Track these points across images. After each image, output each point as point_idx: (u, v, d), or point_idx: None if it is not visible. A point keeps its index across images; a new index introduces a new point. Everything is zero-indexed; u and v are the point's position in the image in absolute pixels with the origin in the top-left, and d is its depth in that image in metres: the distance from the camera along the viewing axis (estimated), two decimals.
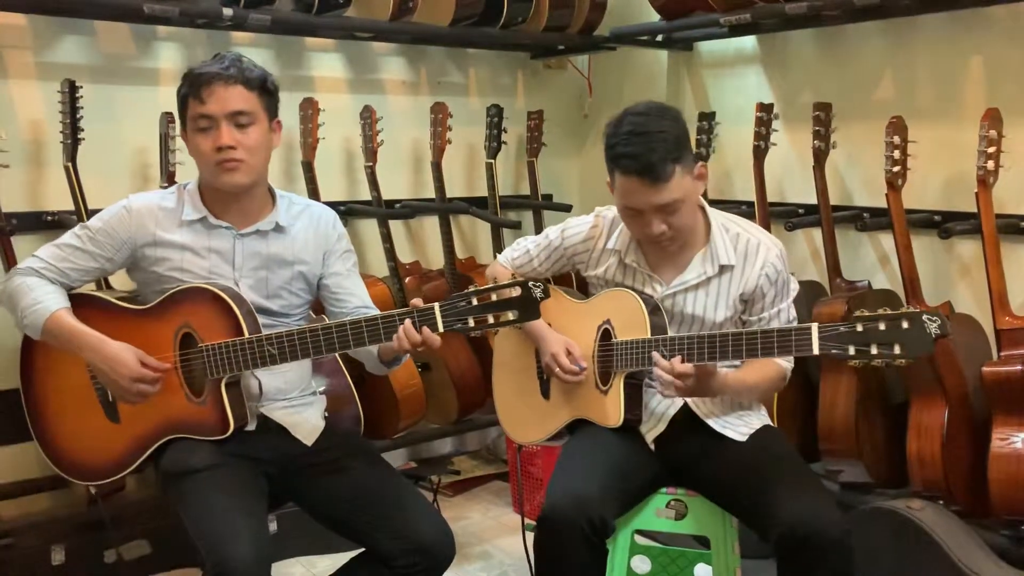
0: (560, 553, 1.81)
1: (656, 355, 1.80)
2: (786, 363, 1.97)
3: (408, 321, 1.73)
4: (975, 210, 2.29)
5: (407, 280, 3.05)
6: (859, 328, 1.60)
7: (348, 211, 3.05)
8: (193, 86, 1.84)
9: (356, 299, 2.03)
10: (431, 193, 3.13)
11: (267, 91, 1.88)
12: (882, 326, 1.58)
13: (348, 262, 2.05)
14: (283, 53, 2.95)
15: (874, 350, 1.58)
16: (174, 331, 1.87)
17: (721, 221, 1.97)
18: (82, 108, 2.47)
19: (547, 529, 1.82)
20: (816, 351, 1.65)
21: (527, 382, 2.17)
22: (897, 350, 1.57)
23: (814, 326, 1.66)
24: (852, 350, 1.60)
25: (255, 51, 2.86)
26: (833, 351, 1.63)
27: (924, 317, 1.54)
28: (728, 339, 1.76)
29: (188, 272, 1.89)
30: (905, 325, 1.56)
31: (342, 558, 1.97)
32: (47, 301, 1.85)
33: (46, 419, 2.03)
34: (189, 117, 1.86)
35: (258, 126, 1.86)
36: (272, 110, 1.91)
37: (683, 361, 1.78)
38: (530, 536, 1.99)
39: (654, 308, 1.93)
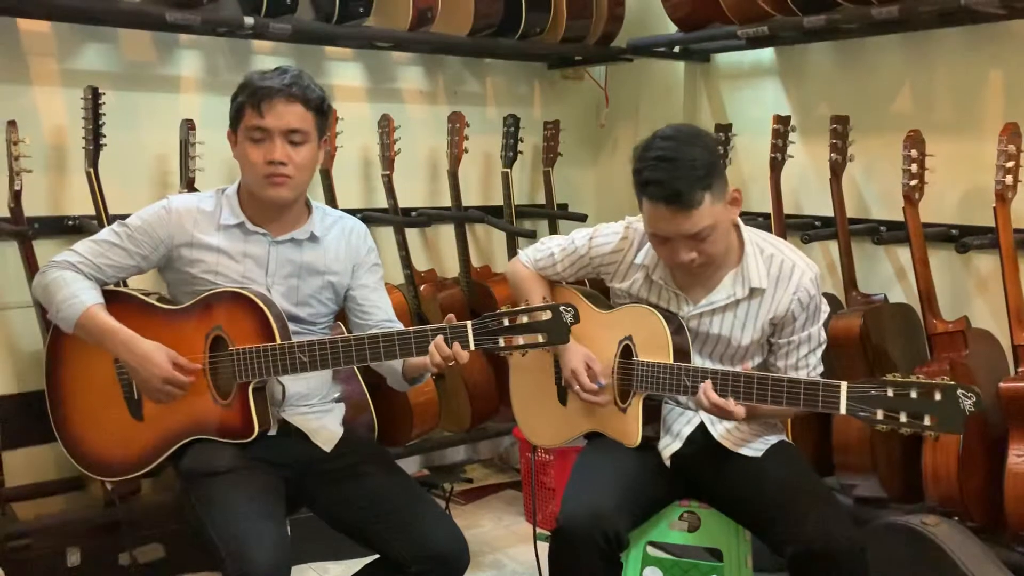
0: (574, 565, 1.80)
1: (707, 386, 1.77)
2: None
3: (440, 336, 1.75)
4: (993, 225, 2.28)
5: (422, 288, 3.06)
6: (889, 393, 1.57)
7: (365, 219, 3.03)
8: (254, 97, 1.85)
9: (381, 312, 2.05)
10: (447, 201, 3.15)
11: (322, 111, 1.91)
12: (913, 394, 1.55)
13: (376, 275, 2.08)
14: (303, 62, 2.97)
15: (903, 418, 1.55)
16: (205, 333, 1.89)
17: (756, 241, 1.92)
18: (104, 115, 2.49)
19: (562, 541, 1.81)
20: (843, 411, 1.63)
21: (544, 385, 2.16)
22: (927, 422, 1.53)
23: (843, 385, 1.63)
24: (880, 415, 1.57)
25: (275, 60, 2.89)
26: (860, 413, 1.60)
27: (959, 392, 1.50)
28: (753, 382, 1.74)
29: (221, 275, 1.92)
30: (938, 397, 1.52)
31: (355, 564, 1.98)
32: (83, 296, 1.87)
33: (69, 413, 2.04)
34: (244, 126, 1.87)
35: (310, 145, 1.89)
36: (323, 129, 1.93)
37: None
38: (542, 545, 1.99)
39: (677, 328, 1.91)
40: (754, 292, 1.90)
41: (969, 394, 1.50)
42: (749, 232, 1.94)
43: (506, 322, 1.72)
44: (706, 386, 1.77)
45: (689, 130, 1.82)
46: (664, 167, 1.74)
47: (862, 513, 2.43)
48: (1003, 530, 2.23)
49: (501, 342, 1.72)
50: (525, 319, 1.71)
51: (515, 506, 3.15)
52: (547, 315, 1.70)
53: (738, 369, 1.79)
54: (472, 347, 1.75)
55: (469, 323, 1.74)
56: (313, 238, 1.97)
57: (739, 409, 1.74)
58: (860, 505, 2.48)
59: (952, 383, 1.52)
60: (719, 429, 1.95)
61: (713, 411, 1.78)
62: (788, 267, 1.89)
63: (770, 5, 2.69)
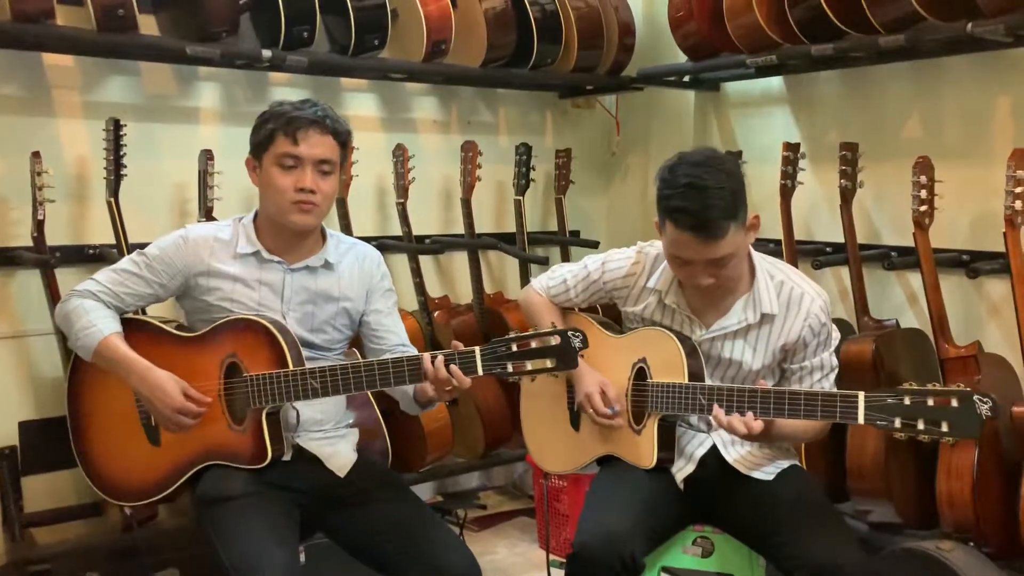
0: None
1: (720, 413, 1.79)
2: None
3: (439, 359, 1.76)
4: (1003, 250, 2.29)
5: (436, 314, 3.09)
6: (907, 401, 1.59)
7: (379, 246, 3.05)
8: (289, 125, 1.91)
9: (395, 337, 2.09)
10: (460, 229, 3.18)
11: (346, 145, 1.99)
12: (930, 402, 1.57)
13: (389, 301, 2.11)
14: (319, 93, 3.02)
15: (920, 425, 1.57)
16: (221, 360, 1.92)
17: (766, 267, 1.95)
18: (125, 146, 2.54)
19: (578, 566, 1.82)
20: (861, 421, 1.64)
21: (556, 411, 2.17)
22: (944, 428, 1.56)
23: (861, 395, 1.64)
24: (898, 423, 1.59)
25: (292, 91, 2.94)
26: (878, 422, 1.62)
27: (975, 398, 1.53)
28: (770, 396, 1.75)
29: (238, 303, 1.95)
30: (954, 403, 1.55)
31: None
32: (100, 324, 1.92)
33: (89, 438, 2.08)
34: (274, 153, 1.92)
35: (335, 176, 1.97)
36: (344, 162, 2.01)
37: (726, 412, 1.78)
38: (556, 572, 1.99)
39: (691, 350, 1.93)
40: (765, 318, 1.91)
41: (985, 399, 1.53)
42: (759, 258, 1.96)
43: (515, 347, 1.73)
44: (717, 411, 1.79)
45: (717, 156, 1.83)
46: (693, 196, 1.75)
47: (877, 539, 2.42)
48: (1019, 555, 2.21)
49: (510, 367, 1.73)
50: (534, 344, 1.73)
51: (529, 533, 3.15)
52: (556, 340, 1.72)
53: (753, 386, 1.80)
54: (480, 372, 1.76)
55: (477, 349, 1.76)
56: (327, 265, 2.01)
57: (757, 424, 1.74)
58: (875, 531, 2.47)
59: (968, 390, 1.54)
60: (732, 453, 1.96)
61: (733, 429, 1.78)
62: (798, 294, 1.92)
63: (778, 34, 2.72)
